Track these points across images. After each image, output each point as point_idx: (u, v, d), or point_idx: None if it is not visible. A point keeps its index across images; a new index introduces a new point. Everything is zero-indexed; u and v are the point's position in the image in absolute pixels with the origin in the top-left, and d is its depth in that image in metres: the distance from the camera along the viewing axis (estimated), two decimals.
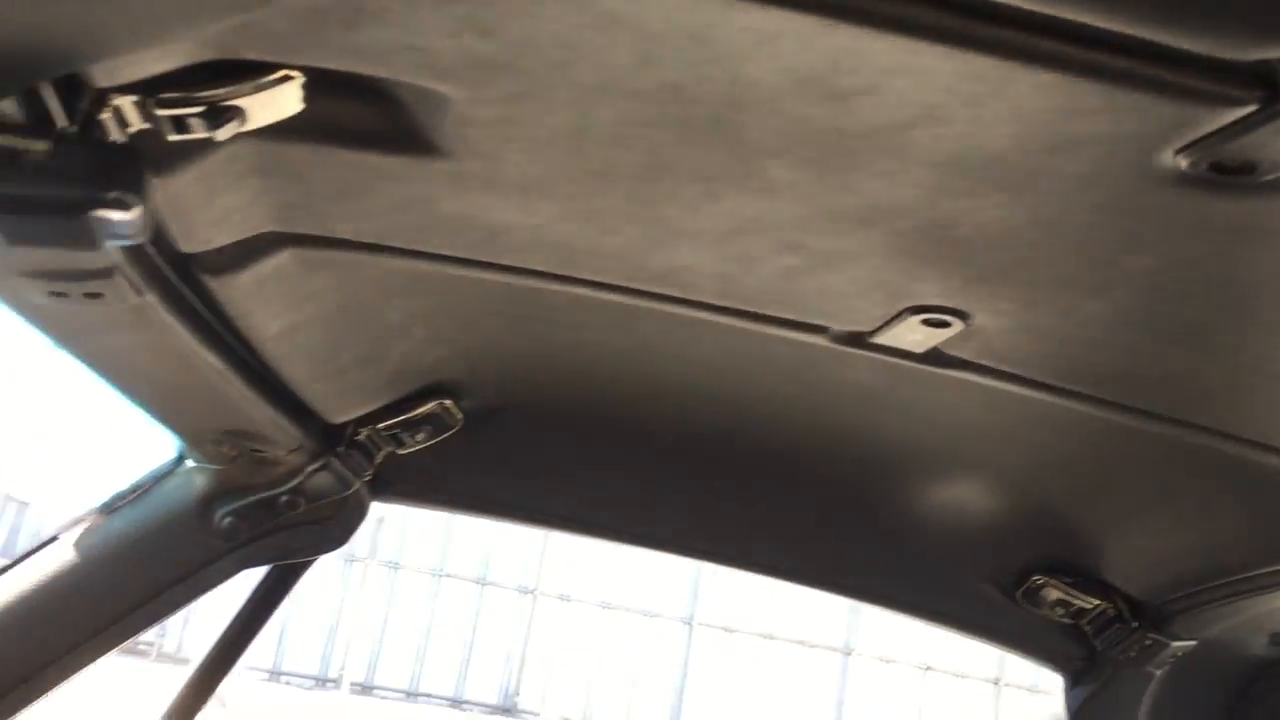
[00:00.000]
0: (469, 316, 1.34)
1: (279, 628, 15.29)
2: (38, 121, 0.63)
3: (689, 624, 18.05)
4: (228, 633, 1.71)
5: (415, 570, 17.40)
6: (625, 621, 17.92)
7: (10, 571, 1.53)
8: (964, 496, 1.60)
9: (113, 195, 0.62)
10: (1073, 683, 1.81)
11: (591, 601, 17.83)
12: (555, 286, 1.14)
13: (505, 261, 1.10)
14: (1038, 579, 1.68)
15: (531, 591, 17.70)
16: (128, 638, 1.57)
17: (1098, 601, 1.69)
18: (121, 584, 1.54)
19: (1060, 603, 1.69)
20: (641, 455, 1.66)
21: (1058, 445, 1.37)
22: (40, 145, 0.60)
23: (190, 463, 1.56)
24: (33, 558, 1.54)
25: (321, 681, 16.44)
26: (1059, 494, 1.53)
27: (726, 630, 18.16)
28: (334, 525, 1.62)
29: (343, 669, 16.54)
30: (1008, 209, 0.84)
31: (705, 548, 1.81)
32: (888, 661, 18.43)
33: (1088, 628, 1.72)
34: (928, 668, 18.44)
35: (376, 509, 1.71)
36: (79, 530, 1.54)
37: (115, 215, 0.63)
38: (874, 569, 1.77)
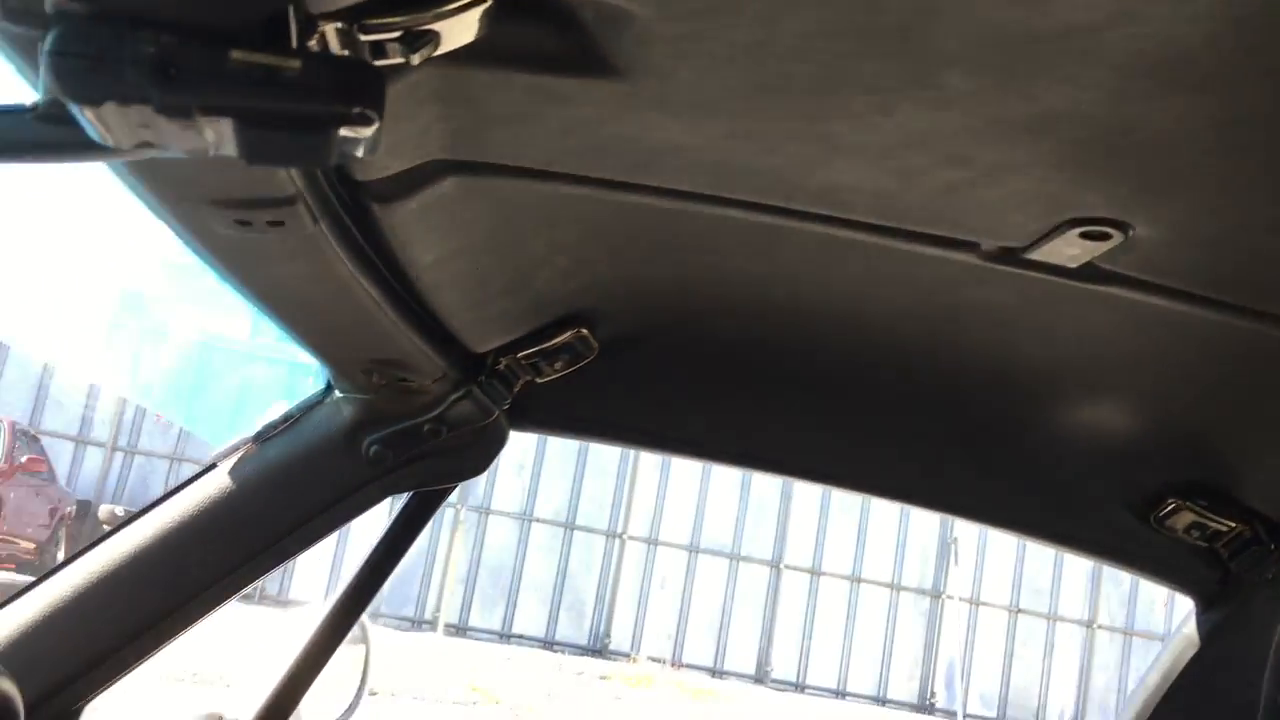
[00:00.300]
0: (611, 245, 1.37)
1: None
2: (280, 42, 0.66)
3: (776, 567, 18.12)
4: (371, 560, 1.76)
5: (503, 515, 17.67)
6: (712, 565, 18.05)
7: (172, 498, 1.60)
8: (1102, 419, 1.59)
9: (357, 110, 0.65)
10: (1205, 606, 1.80)
11: (678, 545, 17.97)
12: (707, 209, 1.15)
13: (661, 184, 1.11)
14: (1172, 502, 1.67)
15: (619, 535, 17.89)
16: (282, 561, 1.64)
17: (1234, 524, 1.67)
18: (275, 509, 1.61)
19: (1195, 526, 1.68)
20: (775, 383, 1.68)
21: (1204, 362, 1.35)
22: (295, 63, 0.63)
23: (338, 393, 1.61)
24: (193, 484, 1.61)
25: (417, 623, 16.84)
26: (1200, 414, 1.52)
27: (813, 573, 18.20)
28: (474, 453, 1.67)
29: (437, 611, 16.91)
30: (1189, 111, 0.83)
31: (839, 474, 1.83)
32: (977, 604, 18.36)
33: (1223, 550, 1.71)
34: (1018, 610, 18.33)
35: None
36: (234, 458, 1.61)
37: (355, 131, 0.66)
38: (1006, 494, 1.77)
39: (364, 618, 1.88)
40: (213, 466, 1.61)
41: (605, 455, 17.88)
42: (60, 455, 16.58)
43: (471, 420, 1.63)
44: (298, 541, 1.63)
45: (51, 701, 1.53)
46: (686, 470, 17.99)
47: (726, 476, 18.07)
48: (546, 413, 1.74)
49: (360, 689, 1.98)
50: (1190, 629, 1.79)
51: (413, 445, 1.62)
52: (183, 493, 1.60)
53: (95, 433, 17.30)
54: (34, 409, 16.95)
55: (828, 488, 1.91)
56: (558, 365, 1.61)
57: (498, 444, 1.69)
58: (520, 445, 17.50)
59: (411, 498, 1.75)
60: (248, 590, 1.69)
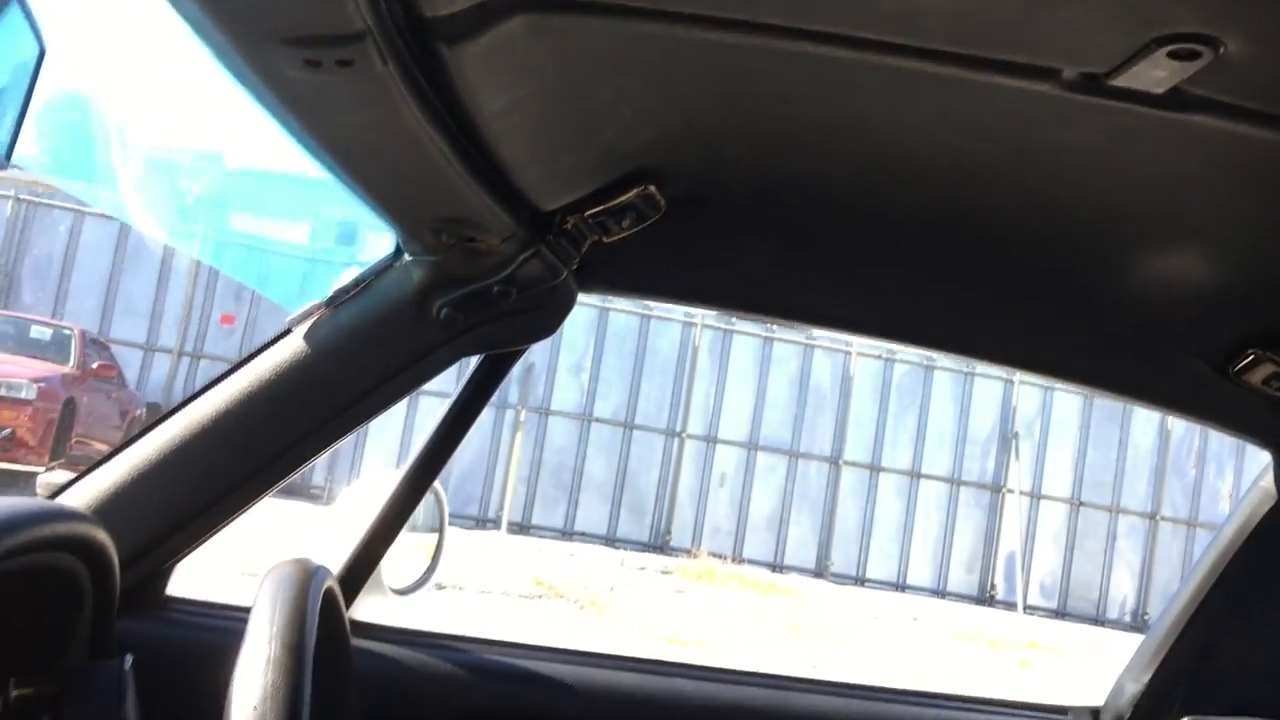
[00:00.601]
0: (679, 92, 1.34)
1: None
2: None
3: (835, 463, 18.18)
4: (445, 422, 1.79)
5: (563, 416, 17.83)
6: (771, 461, 18.14)
7: (249, 363, 1.63)
8: (1182, 265, 1.55)
9: None
10: None
11: (737, 442, 18.06)
12: (776, 43, 1.12)
13: (730, 15, 1.09)
14: (1252, 352, 1.63)
15: (677, 434, 18.00)
16: (360, 423, 1.67)
17: None
18: (350, 373, 1.63)
19: (1275, 376, 1.64)
20: (844, 236, 1.66)
21: None
22: None
23: (407, 256, 1.62)
24: (269, 350, 1.63)
25: (481, 522, 17.14)
26: None
27: (872, 469, 18.25)
28: (544, 314, 1.67)
29: (500, 510, 17.20)
30: None
31: (908, 328, 1.81)
32: (1038, 498, 18.33)
33: None
34: (1080, 503, 18.29)
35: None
36: (308, 324, 1.63)
37: None
38: (1078, 345, 1.74)
39: (437, 484, 1.91)
40: (288, 332, 1.63)
41: (663, 355, 17.93)
42: (129, 361, 16.93)
43: (540, 281, 1.63)
44: (371, 405, 1.65)
45: (143, 560, 1.58)
46: (744, 367, 18.01)
47: (784, 373, 18.07)
48: (614, 273, 1.74)
49: (437, 552, 2.02)
50: (1267, 482, 1.77)
51: (483, 307, 1.63)
52: (259, 358, 1.63)
53: (162, 340, 17.63)
54: (103, 317, 17.29)
55: (897, 344, 1.88)
56: (625, 224, 1.59)
57: (567, 305, 1.69)
58: (578, 347, 17.59)
59: (483, 360, 1.77)
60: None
